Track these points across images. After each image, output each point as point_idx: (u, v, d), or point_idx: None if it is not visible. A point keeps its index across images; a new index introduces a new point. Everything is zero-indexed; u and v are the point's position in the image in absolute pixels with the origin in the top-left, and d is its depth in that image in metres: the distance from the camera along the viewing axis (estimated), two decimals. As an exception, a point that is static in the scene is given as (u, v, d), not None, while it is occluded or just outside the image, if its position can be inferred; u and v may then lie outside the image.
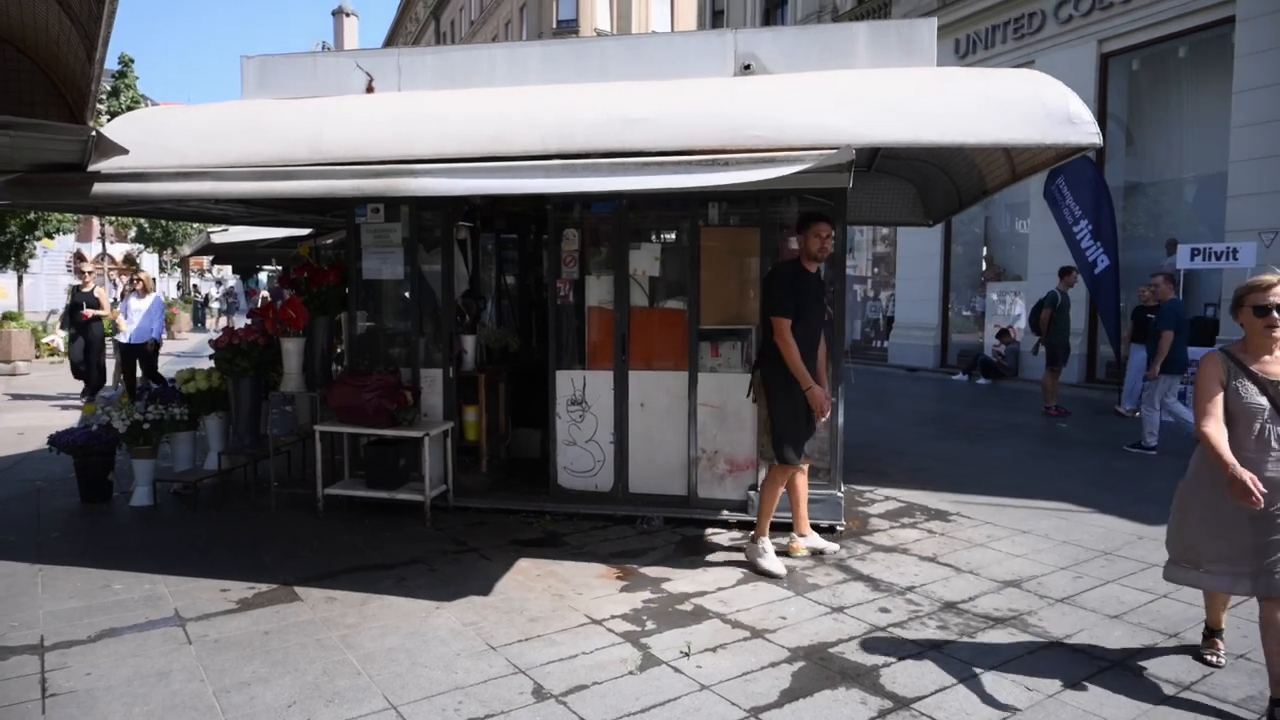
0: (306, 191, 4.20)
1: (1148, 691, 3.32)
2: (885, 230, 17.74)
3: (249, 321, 6.85)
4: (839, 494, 5.37)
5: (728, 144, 4.09)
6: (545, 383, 5.75)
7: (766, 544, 4.73)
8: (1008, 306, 14.48)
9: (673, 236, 5.69)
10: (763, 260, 5.39)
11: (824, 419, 4.83)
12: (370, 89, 5.22)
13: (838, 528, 5.40)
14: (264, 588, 4.35)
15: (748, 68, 4.85)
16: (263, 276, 27.44)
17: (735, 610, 4.12)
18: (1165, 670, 3.52)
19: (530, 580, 4.51)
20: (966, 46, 14.40)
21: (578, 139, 4.28)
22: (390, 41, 55.63)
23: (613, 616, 4.02)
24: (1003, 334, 14.22)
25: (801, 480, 4.93)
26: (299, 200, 6.36)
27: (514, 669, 3.45)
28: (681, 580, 4.55)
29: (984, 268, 15.71)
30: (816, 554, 4.97)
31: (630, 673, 3.44)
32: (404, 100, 4.94)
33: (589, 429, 5.66)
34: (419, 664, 3.49)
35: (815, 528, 5.38)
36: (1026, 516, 5.83)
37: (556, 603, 4.19)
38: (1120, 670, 3.51)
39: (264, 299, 17.44)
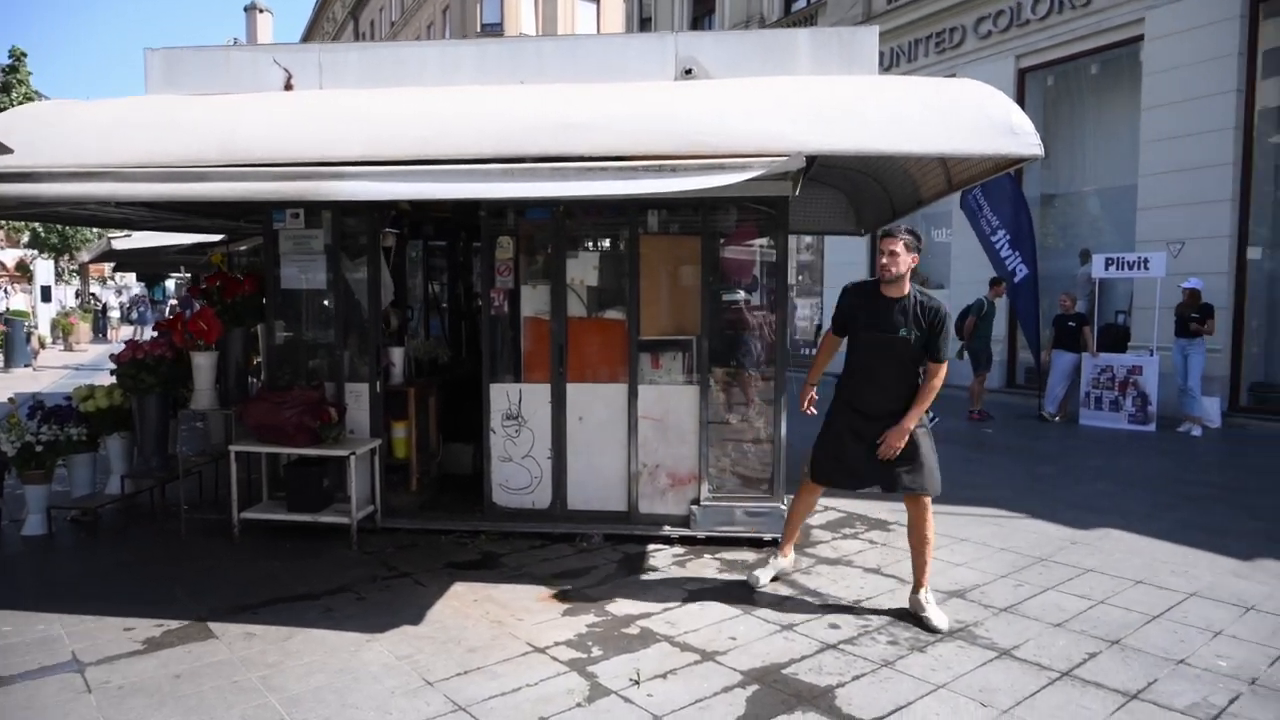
0: (219, 195, 3.90)
1: (1098, 701, 3.31)
2: (809, 239, 17.94)
3: (155, 334, 6.40)
4: (782, 506, 5.29)
5: (673, 150, 3.94)
6: (478, 396, 5.52)
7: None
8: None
9: (611, 245, 5.54)
10: (703, 269, 5.29)
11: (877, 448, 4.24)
12: (289, 86, 4.91)
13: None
14: (174, 625, 4.00)
15: (689, 72, 4.74)
16: (170, 284, 26.17)
17: (683, 631, 3.98)
18: (1111, 677, 3.52)
19: (467, 606, 4.28)
20: (891, 59, 14.68)
21: (516, 142, 4.09)
22: (306, 41, 54.06)
23: (556, 643, 3.83)
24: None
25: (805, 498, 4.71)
26: (211, 204, 5.97)
27: (454, 706, 3.23)
28: (626, 601, 4.38)
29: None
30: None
31: (578, 705, 3.26)
32: (327, 99, 4.66)
33: (525, 444, 5.45)
34: (349, 705, 3.23)
35: (758, 541, 5.31)
36: (963, 523, 5.85)
37: (496, 630, 3.97)
38: (1070, 681, 3.50)
39: (173, 309, 16.58)
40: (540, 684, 3.42)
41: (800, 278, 19.75)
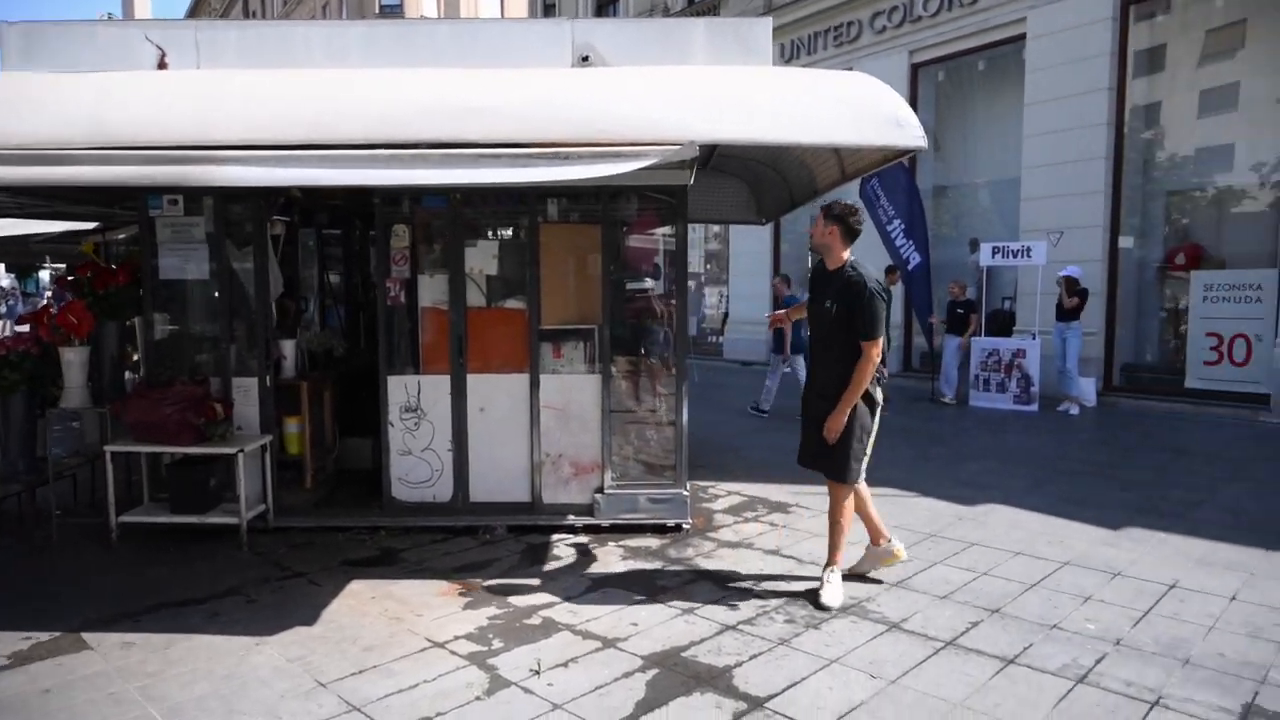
0: (85, 179, 3.66)
1: (978, 667, 3.47)
2: (717, 228, 18.18)
3: (19, 329, 5.98)
4: (684, 492, 5.35)
5: (570, 137, 3.91)
6: (376, 389, 5.37)
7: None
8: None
9: (510, 233, 5.47)
10: (604, 258, 5.28)
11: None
12: (162, 65, 4.65)
13: (684, 526, 5.39)
14: (43, 637, 3.76)
15: (586, 59, 4.71)
16: (45, 276, 24.52)
17: (586, 620, 3.99)
18: (991, 644, 3.70)
19: (364, 604, 4.17)
20: (791, 51, 14.97)
21: (407, 128, 3.97)
22: (192, 18, 51.26)
23: (456, 637, 3.78)
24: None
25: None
26: (78, 190, 5.61)
27: (348, 707, 3.15)
28: (529, 592, 4.36)
29: (810, 264, 16.41)
30: (665, 553, 4.92)
31: (477, 698, 3.23)
32: (206, 79, 4.42)
33: (425, 437, 5.34)
34: (236, 712, 3.11)
35: (662, 527, 5.37)
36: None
37: (394, 627, 3.89)
38: (954, 650, 3.66)
39: (49, 302, 15.55)
40: (439, 679, 3.37)
41: (709, 266, 20.00)
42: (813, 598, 4.22)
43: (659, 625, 3.93)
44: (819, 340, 4.38)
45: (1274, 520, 5.59)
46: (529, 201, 5.24)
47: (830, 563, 4.33)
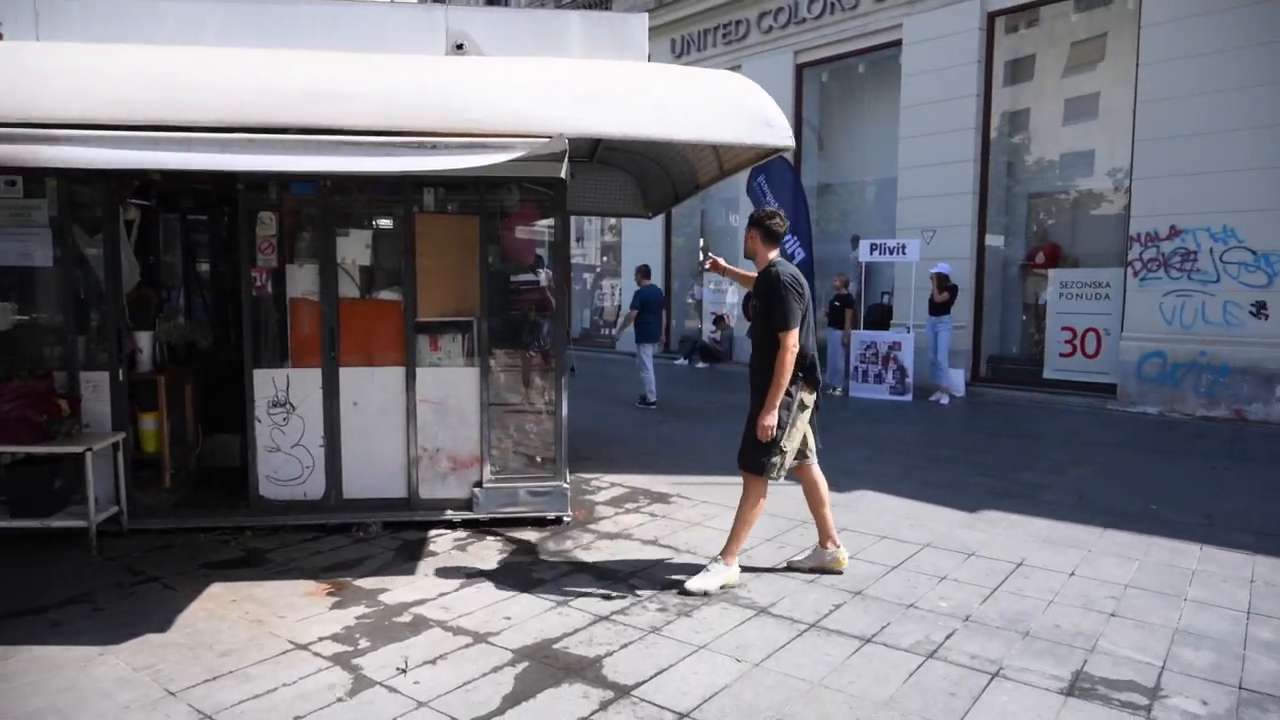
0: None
1: (838, 647, 3.63)
2: (614, 220, 18.24)
3: None
4: (565, 485, 5.36)
5: (438, 126, 3.85)
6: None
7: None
8: (723, 295, 15.45)
9: (385, 223, 5.34)
10: (482, 249, 5.22)
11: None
12: (-4, 36, 4.32)
13: (565, 518, 5.40)
14: None
15: (460, 47, 4.64)
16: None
17: (458, 616, 3.95)
18: (852, 625, 3.87)
19: (224, 608, 4.01)
20: (682, 47, 15.13)
21: (266, 112, 3.82)
22: None
23: (321, 638, 3.68)
24: (719, 320, 15.21)
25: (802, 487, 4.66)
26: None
27: (199, 715, 3.02)
28: (401, 589, 4.28)
29: (701, 258, 16.66)
30: (530, 547, 4.93)
31: (339, 699, 3.15)
32: (43, 51, 4.13)
33: (295, 433, 5.16)
34: (73, 725, 2.94)
35: (542, 520, 5.37)
36: (738, 492, 6.10)
37: (255, 630, 3.75)
38: (817, 631, 3.81)
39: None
40: (299, 682, 3.28)
41: (605, 259, 20.05)
42: (680, 585, 4.29)
43: (533, 618, 3.93)
44: (753, 341, 4.49)
45: (1112, 501, 6.04)
46: (405, 190, 5.13)
47: (724, 552, 4.37)
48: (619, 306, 18.53)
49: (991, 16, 11.21)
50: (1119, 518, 5.61)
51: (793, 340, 4.15)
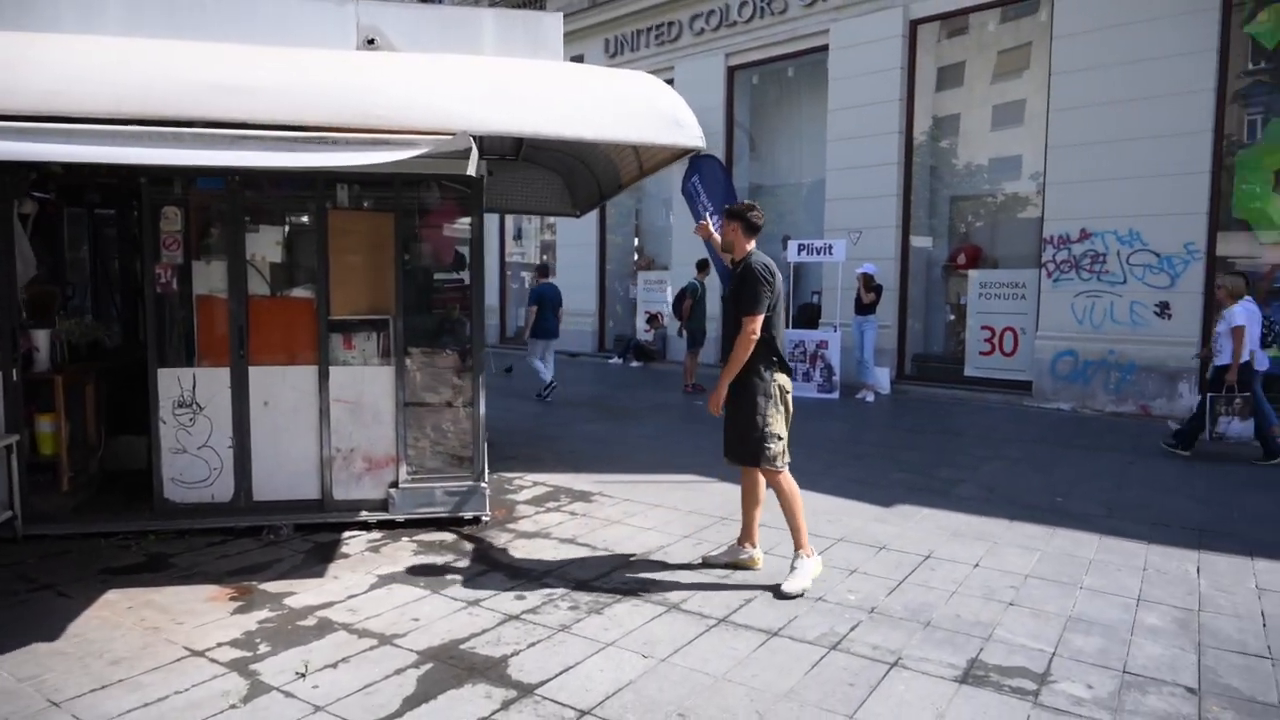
0: None
1: (744, 641, 3.68)
2: (552, 219, 18.17)
3: None
4: (483, 485, 5.32)
5: (346, 122, 3.80)
6: (149, 383, 4.99)
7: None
8: (655, 293, 15.52)
9: (298, 219, 5.23)
10: (397, 247, 5.15)
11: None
12: None
13: (483, 518, 5.37)
14: None
15: (371, 42, 4.57)
16: None
17: (365, 618, 3.89)
18: (760, 619, 3.93)
19: (119, 615, 3.88)
20: (616, 47, 15.15)
21: (167, 104, 3.72)
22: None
23: (219, 644, 3.59)
24: (652, 319, 15.27)
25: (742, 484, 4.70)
26: None
27: (81, 726, 2.92)
28: (308, 592, 4.20)
29: (636, 257, 16.73)
30: (454, 547, 4.88)
31: (233, 706, 3.08)
32: (-77, 37, 3.94)
33: (202, 434, 5.02)
34: (-56, 741, 2.82)
35: (459, 520, 5.32)
36: (660, 490, 6.25)
37: (150, 637, 3.64)
38: (725, 626, 3.86)
39: None
40: (191, 689, 3.19)
41: (545, 258, 19.93)
42: (775, 589, 4.26)
43: (441, 619, 3.89)
44: (725, 330, 4.53)
45: (1021, 494, 6.25)
46: (317, 186, 5.04)
47: (798, 547, 4.39)
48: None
49: (914, 24, 11.49)
50: (1026, 510, 5.81)
51: (755, 326, 4.21)
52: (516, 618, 3.92)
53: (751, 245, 4.45)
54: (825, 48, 12.30)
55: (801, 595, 4.21)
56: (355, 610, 3.98)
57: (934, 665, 3.48)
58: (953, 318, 12.23)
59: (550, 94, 4.11)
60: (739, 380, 4.33)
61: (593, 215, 16.27)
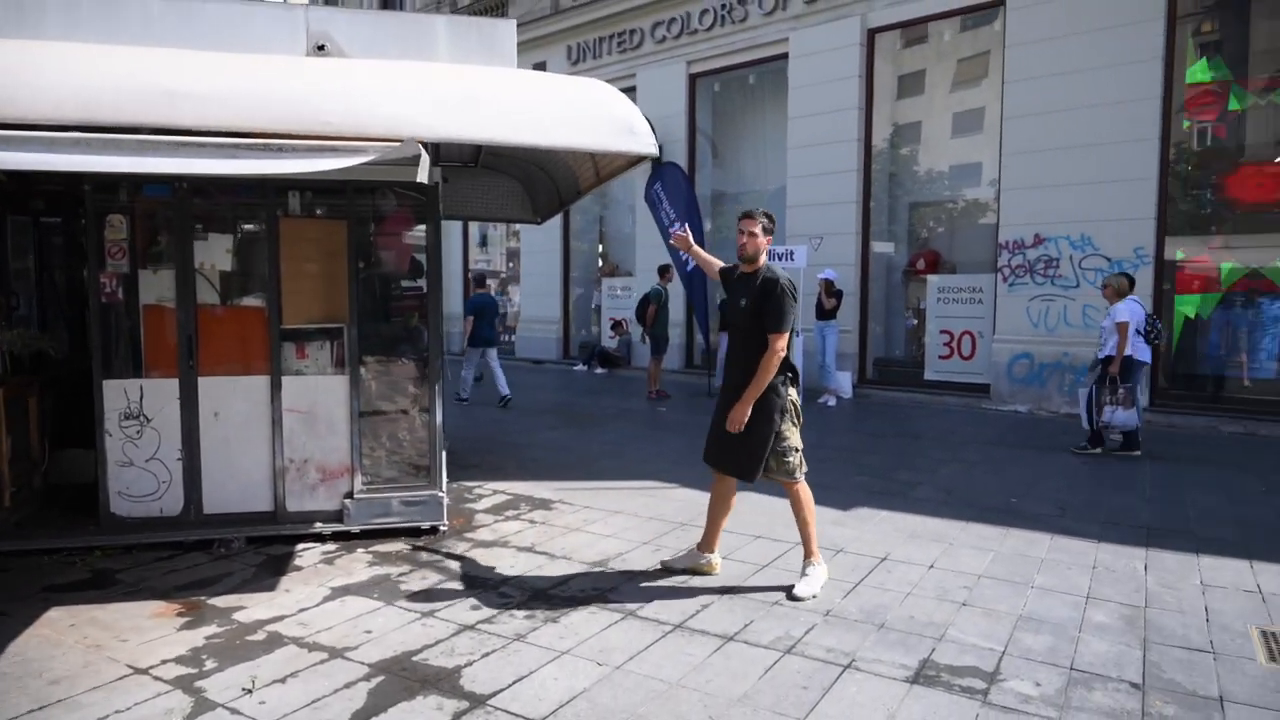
0: None
1: (700, 647, 3.68)
2: (518, 227, 18.10)
3: None
4: (440, 494, 5.27)
5: (294, 129, 3.77)
6: (94, 395, 4.88)
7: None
8: (620, 300, 15.52)
9: (248, 227, 5.15)
10: (351, 254, 5.10)
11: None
12: None
13: (440, 528, 5.32)
14: None
15: (322, 48, 4.53)
16: None
17: (316, 631, 3.83)
18: (716, 624, 3.93)
19: (60, 633, 3.78)
20: (578, 55, 15.17)
21: (108, 110, 3.67)
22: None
23: (164, 661, 3.51)
24: (616, 325, 15.27)
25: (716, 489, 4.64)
26: None
27: (16, 748, 2.84)
28: (258, 606, 4.13)
29: (600, 263, 16.73)
30: (414, 555, 4.83)
31: (176, 724, 3.02)
32: None
33: (150, 446, 4.92)
34: None
35: (416, 530, 5.27)
36: (621, 497, 6.24)
37: (92, 656, 3.55)
38: (681, 632, 3.85)
39: None
40: (133, 708, 3.12)
41: (511, 265, 19.87)
42: (788, 591, 4.31)
43: (394, 631, 3.85)
44: (737, 340, 4.42)
45: (977, 495, 6.34)
46: (268, 194, 4.97)
47: (808, 554, 4.42)
48: (518, 312, 18.39)
49: (872, 33, 11.64)
50: (982, 511, 5.89)
51: (783, 344, 4.20)
52: (471, 628, 3.88)
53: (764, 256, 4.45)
54: (785, 56, 12.42)
55: (814, 598, 4.25)
56: (306, 624, 3.92)
57: (886, 666, 3.51)
58: (914, 322, 12.39)
59: (504, 101, 4.10)
60: (741, 387, 4.28)
61: (556, 222, 16.25)
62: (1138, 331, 7.77)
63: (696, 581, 4.51)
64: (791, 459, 4.35)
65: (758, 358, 4.22)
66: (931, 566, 4.76)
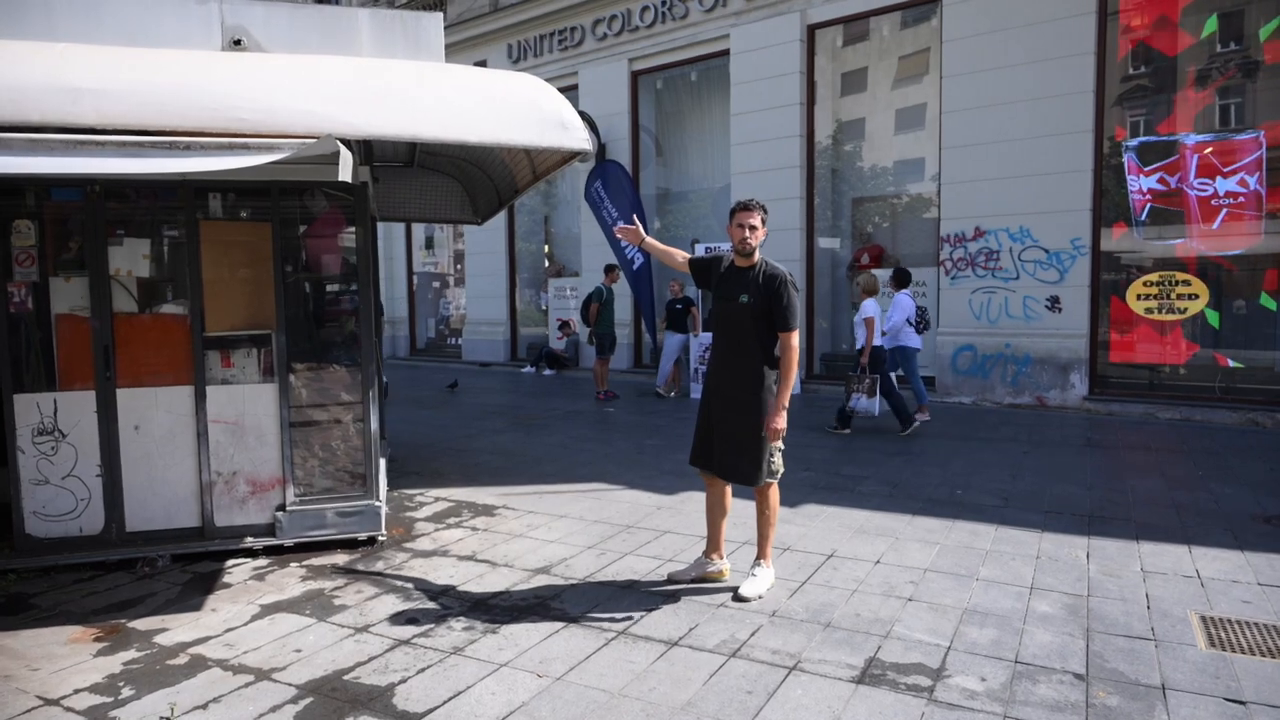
0: None
1: (643, 654, 3.59)
2: (464, 228, 17.84)
3: None
4: (378, 503, 5.11)
5: (205, 126, 3.59)
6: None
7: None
8: (566, 300, 15.38)
9: (166, 231, 4.91)
10: (277, 258, 4.91)
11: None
12: None
13: (379, 538, 5.15)
14: None
15: (238, 43, 4.33)
16: None
17: (242, 653, 3.65)
18: (660, 629, 3.85)
19: (-37, 665, 3.55)
20: (519, 53, 14.98)
21: (4, 108, 3.43)
22: None
23: (77, 690, 3.31)
24: (564, 326, 15.13)
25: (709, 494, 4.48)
26: None
27: (-96, 795, 2.63)
28: (182, 627, 3.93)
29: (546, 264, 16.56)
30: (354, 571, 4.66)
31: (85, 760, 2.83)
32: None
33: (66, 462, 4.67)
34: None
35: (353, 542, 5.10)
36: (566, 501, 6.13)
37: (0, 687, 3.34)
38: (625, 639, 3.76)
39: None
40: (39, 744, 2.92)
41: (459, 267, 19.57)
42: (734, 592, 4.23)
43: (326, 649, 3.69)
44: (729, 339, 4.21)
45: (922, 489, 6.36)
46: (187, 196, 4.75)
47: (761, 555, 4.34)
48: (464, 315, 18.14)
49: (811, 29, 11.69)
50: (927, 504, 5.91)
51: (797, 340, 4.11)
52: (407, 643, 3.74)
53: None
54: (726, 52, 12.41)
55: (760, 599, 4.18)
56: (232, 645, 3.74)
57: (832, 667, 3.46)
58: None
59: (429, 96, 3.96)
60: (748, 396, 4.14)
61: (501, 223, 16.07)
62: (909, 321, 8.90)
63: (641, 585, 4.43)
64: (777, 459, 4.27)
65: (755, 358, 4.13)
66: (878, 562, 4.75)
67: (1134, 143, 9.51)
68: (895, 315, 8.94)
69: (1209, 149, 9.07)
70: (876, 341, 8.53)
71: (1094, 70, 9.50)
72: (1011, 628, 3.82)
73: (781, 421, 4.13)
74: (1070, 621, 3.87)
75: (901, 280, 9.10)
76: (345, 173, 3.51)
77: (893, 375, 8.83)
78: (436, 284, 19.48)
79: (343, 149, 3.44)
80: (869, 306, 8.50)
